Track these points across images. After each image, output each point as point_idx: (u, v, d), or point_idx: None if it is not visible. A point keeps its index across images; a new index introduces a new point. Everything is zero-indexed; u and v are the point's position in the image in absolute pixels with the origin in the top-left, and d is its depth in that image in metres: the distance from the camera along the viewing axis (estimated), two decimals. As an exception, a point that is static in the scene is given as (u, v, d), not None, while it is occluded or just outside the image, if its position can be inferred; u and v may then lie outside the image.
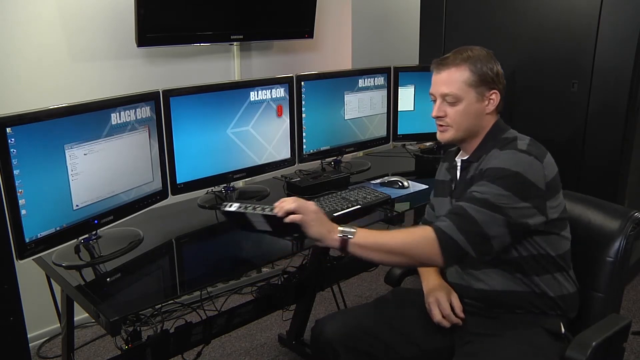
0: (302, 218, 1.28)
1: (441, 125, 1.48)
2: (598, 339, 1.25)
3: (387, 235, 1.32)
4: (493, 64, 1.45)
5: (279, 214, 1.30)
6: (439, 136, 1.51)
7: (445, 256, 1.28)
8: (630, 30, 2.43)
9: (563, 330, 1.40)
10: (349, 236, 1.29)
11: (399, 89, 2.50)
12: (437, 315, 1.45)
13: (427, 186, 2.10)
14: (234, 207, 1.41)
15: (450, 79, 1.43)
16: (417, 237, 1.31)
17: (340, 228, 1.30)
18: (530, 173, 1.32)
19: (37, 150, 1.39)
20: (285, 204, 1.30)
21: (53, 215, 1.45)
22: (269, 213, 1.33)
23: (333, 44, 3.29)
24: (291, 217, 1.29)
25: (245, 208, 1.38)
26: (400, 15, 4.05)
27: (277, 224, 1.33)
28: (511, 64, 2.72)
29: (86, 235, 1.58)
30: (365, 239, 1.30)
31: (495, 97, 1.45)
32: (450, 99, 1.44)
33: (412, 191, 2.10)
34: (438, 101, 1.47)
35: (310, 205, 1.31)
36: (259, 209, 1.36)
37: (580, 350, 1.22)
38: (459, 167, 1.52)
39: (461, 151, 1.55)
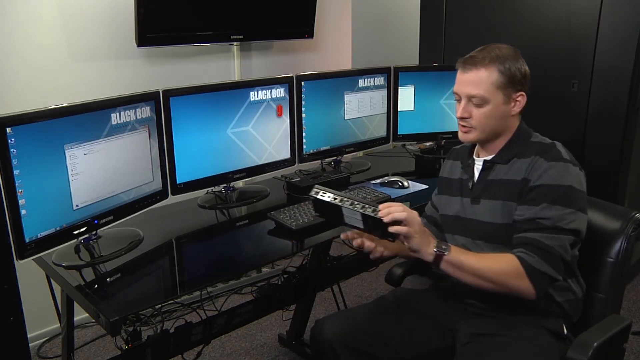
0: (408, 230, 1.24)
1: (464, 126, 1.44)
2: (599, 340, 1.25)
3: (476, 259, 1.33)
4: (521, 64, 1.41)
5: (386, 220, 1.23)
6: (461, 137, 1.47)
7: (539, 290, 1.30)
8: (630, 30, 2.43)
9: (565, 331, 1.41)
10: (445, 252, 1.28)
11: (399, 89, 2.50)
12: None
13: (427, 186, 2.10)
14: (328, 197, 1.32)
15: (478, 80, 1.38)
16: (507, 268, 1.30)
17: (436, 242, 1.29)
18: (578, 183, 1.36)
19: (37, 150, 1.39)
20: (394, 211, 1.23)
21: (53, 215, 1.45)
22: (372, 215, 1.24)
23: (333, 44, 3.29)
24: (397, 228, 1.23)
25: (342, 201, 1.29)
26: (400, 15, 4.05)
27: (376, 226, 1.26)
28: (511, 64, 2.72)
29: (86, 235, 1.58)
30: (458, 258, 1.29)
31: (521, 99, 1.42)
32: (477, 101, 1.39)
33: (412, 191, 2.10)
34: (463, 101, 1.42)
35: (417, 216, 1.27)
36: (358, 206, 1.27)
37: (581, 351, 1.22)
38: (477, 167, 1.49)
39: (477, 148, 1.52)
